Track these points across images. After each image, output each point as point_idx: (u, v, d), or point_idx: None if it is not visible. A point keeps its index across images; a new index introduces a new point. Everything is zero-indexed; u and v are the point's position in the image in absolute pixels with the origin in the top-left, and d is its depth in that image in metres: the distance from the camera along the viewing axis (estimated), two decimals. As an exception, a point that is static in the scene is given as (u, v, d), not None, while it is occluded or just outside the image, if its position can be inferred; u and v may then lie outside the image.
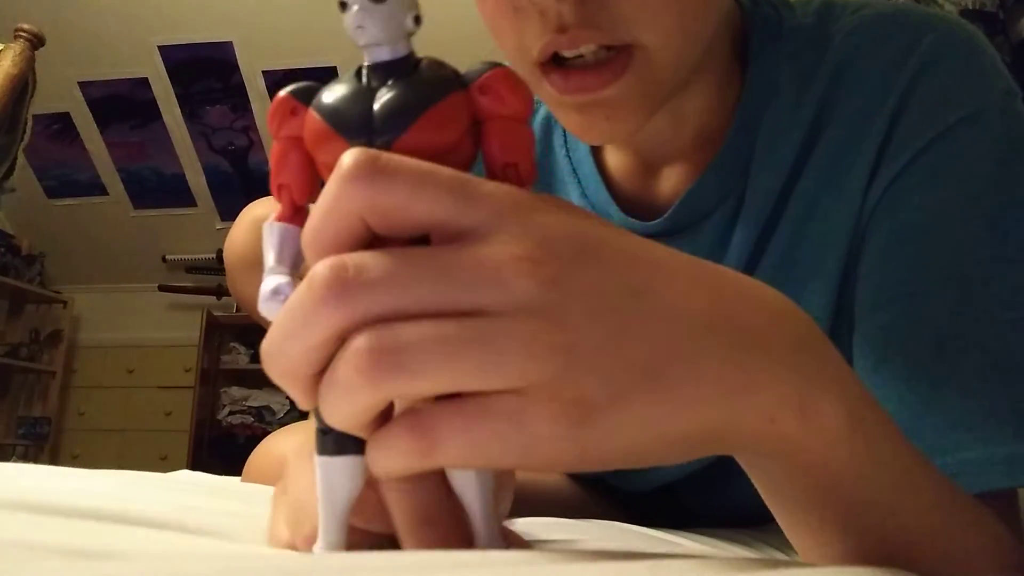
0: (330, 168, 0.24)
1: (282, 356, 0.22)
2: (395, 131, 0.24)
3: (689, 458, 0.24)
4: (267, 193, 0.29)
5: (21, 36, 1.67)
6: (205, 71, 3.60)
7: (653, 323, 0.22)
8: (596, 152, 0.58)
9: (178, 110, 3.72)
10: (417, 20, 0.25)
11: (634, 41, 0.41)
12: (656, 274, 0.23)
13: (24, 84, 1.67)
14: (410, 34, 0.25)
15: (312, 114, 0.25)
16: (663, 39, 0.41)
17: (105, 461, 0.52)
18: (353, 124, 0.24)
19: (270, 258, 0.26)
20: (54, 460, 3.80)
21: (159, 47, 3.52)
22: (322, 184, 0.24)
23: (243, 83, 3.61)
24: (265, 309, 0.25)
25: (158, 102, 3.70)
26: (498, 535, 0.25)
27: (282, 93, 0.26)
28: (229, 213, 3.87)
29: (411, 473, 0.21)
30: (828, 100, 0.50)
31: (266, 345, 0.22)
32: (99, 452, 3.86)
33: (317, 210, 0.22)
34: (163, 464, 3.68)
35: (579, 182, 0.57)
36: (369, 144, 0.24)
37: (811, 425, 0.25)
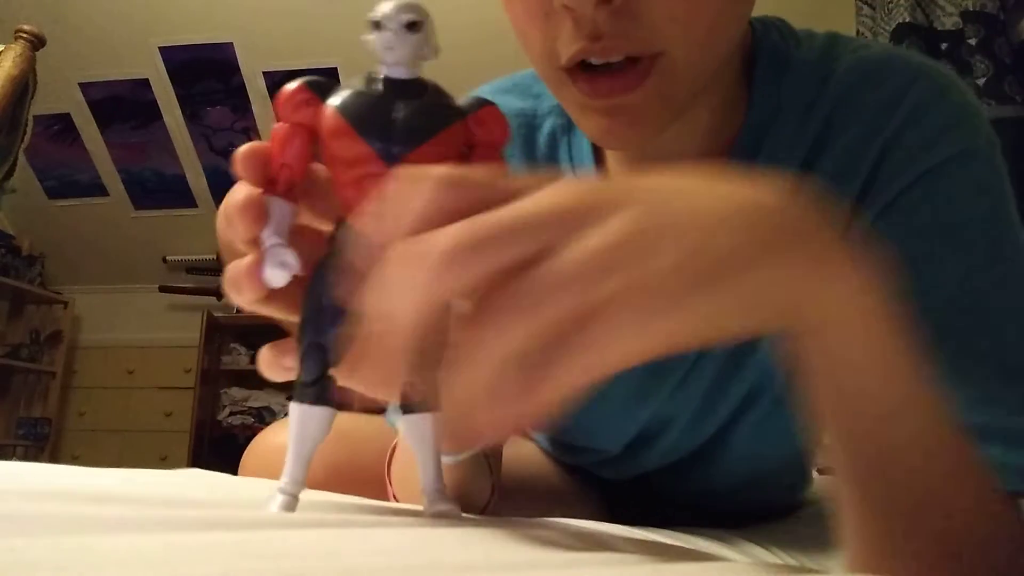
0: (338, 159, 0.29)
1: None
2: (412, 144, 0.28)
3: (729, 334, 0.26)
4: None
5: (22, 37, 1.67)
6: (206, 72, 3.60)
7: (702, 208, 0.25)
8: (599, 170, 0.60)
9: (179, 111, 3.72)
10: (435, 51, 0.30)
11: (662, 51, 0.43)
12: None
13: (25, 85, 1.67)
14: (425, 59, 0.30)
15: (332, 111, 0.29)
16: (687, 51, 0.43)
17: (105, 462, 0.53)
18: (373, 129, 0.29)
19: (271, 232, 0.29)
20: (54, 461, 3.78)
21: (160, 48, 3.52)
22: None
23: (244, 84, 3.61)
24: (271, 277, 0.29)
25: (159, 103, 3.70)
26: (441, 483, 0.31)
27: (298, 82, 0.30)
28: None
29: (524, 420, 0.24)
30: (822, 136, 0.52)
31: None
32: (99, 453, 3.86)
33: (405, 298, 0.24)
34: (163, 465, 3.67)
35: None
36: (385, 149, 0.28)
37: (832, 301, 0.27)
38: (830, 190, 0.50)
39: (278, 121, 0.30)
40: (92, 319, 4.26)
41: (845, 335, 0.28)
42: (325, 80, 0.30)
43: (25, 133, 1.81)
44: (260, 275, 0.29)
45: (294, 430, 0.30)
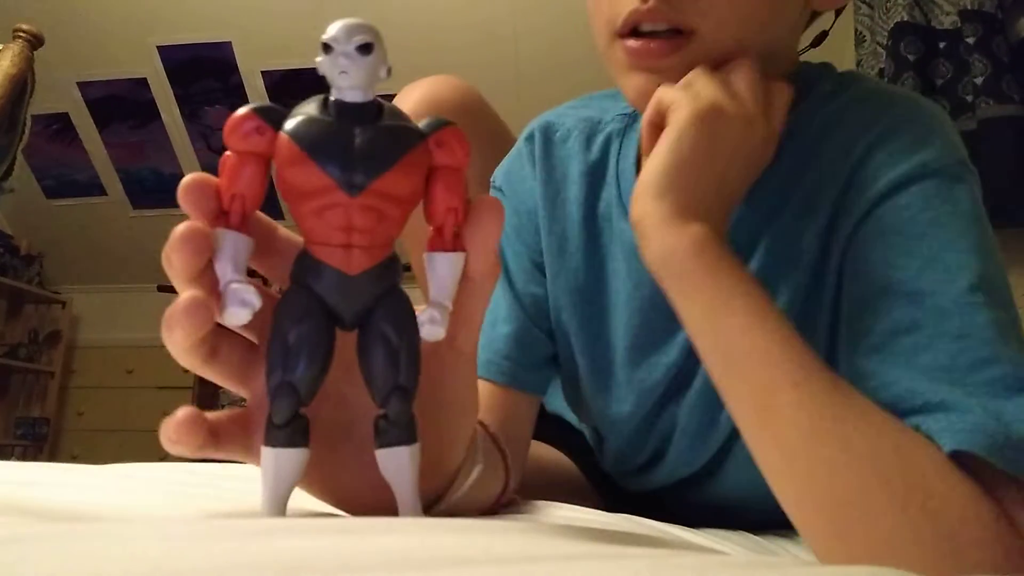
0: (295, 189, 0.27)
1: None
2: (375, 172, 0.27)
3: None
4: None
5: (20, 36, 1.67)
6: (204, 71, 3.60)
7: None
8: (639, 165, 0.65)
9: (177, 110, 3.72)
10: (388, 72, 0.28)
11: (696, 28, 0.52)
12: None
13: (23, 84, 1.67)
14: (381, 81, 0.28)
15: (286, 139, 0.27)
16: (718, 33, 0.52)
17: (104, 461, 0.52)
18: (331, 157, 0.27)
19: (228, 268, 0.28)
20: (52, 460, 3.79)
21: (158, 47, 3.52)
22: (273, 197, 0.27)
23: (242, 83, 3.60)
24: (232, 316, 0.27)
25: (157, 102, 3.70)
26: (420, 513, 0.30)
27: (245, 110, 0.28)
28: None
29: None
30: (810, 154, 0.57)
31: None
32: (98, 452, 3.85)
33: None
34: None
35: (618, 185, 0.66)
36: (346, 179, 0.27)
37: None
38: (807, 202, 0.56)
39: (227, 150, 0.29)
40: (91, 319, 4.25)
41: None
42: (275, 107, 0.28)
43: (23, 132, 1.80)
44: (200, 314, 0.27)
45: (269, 474, 0.28)
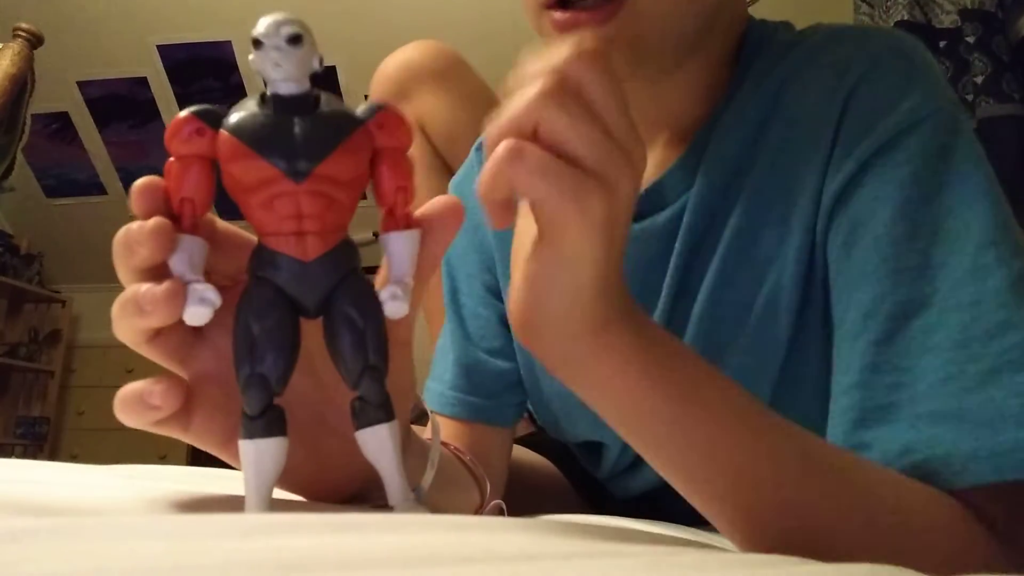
0: (242, 184, 0.28)
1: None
2: (319, 157, 0.28)
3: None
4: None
5: (20, 35, 1.67)
6: (204, 71, 3.60)
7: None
8: None
9: (177, 109, 3.67)
10: (320, 62, 0.29)
11: None
12: None
13: (23, 83, 1.67)
14: (315, 74, 0.29)
15: (227, 136, 0.28)
16: None
17: (104, 461, 0.52)
18: (274, 148, 0.28)
19: (186, 269, 0.29)
20: (53, 460, 3.79)
21: (158, 47, 3.52)
22: (222, 198, 0.29)
23: (242, 83, 3.60)
24: (194, 315, 0.28)
25: (157, 102, 3.70)
26: (408, 490, 0.30)
27: (185, 113, 0.29)
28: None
29: (497, 177, 0.31)
30: (776, 100, 0.53)
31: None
32: (98, 452, 3.85)
33: (510, 109, 0.31)
34: (162, 464, 3.67)
35: None
36: (290, 167, 0.28)
37: (607, 341, 0.34)
38: (784, 158, 0.52)
39: (170, 156, 0.29)
40: (91, 318, 4.25)
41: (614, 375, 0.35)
42: (212, 107, 0.29)
43: (23, 132, 1.80)
44: (178, 304, 0.28)
45: (250, 467, 0.29)
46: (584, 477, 0.77)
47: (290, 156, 0.28)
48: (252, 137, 0.28)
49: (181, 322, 0.29)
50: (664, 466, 0.37)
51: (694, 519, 0.66)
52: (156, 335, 0.31)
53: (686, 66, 0.54)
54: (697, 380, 0.36)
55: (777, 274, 0.51)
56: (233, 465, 0.34)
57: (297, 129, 0.28)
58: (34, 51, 1.69)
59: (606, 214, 0.31)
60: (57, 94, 3.58)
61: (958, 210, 0.44)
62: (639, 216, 0.57)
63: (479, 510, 0.51)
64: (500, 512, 0.51)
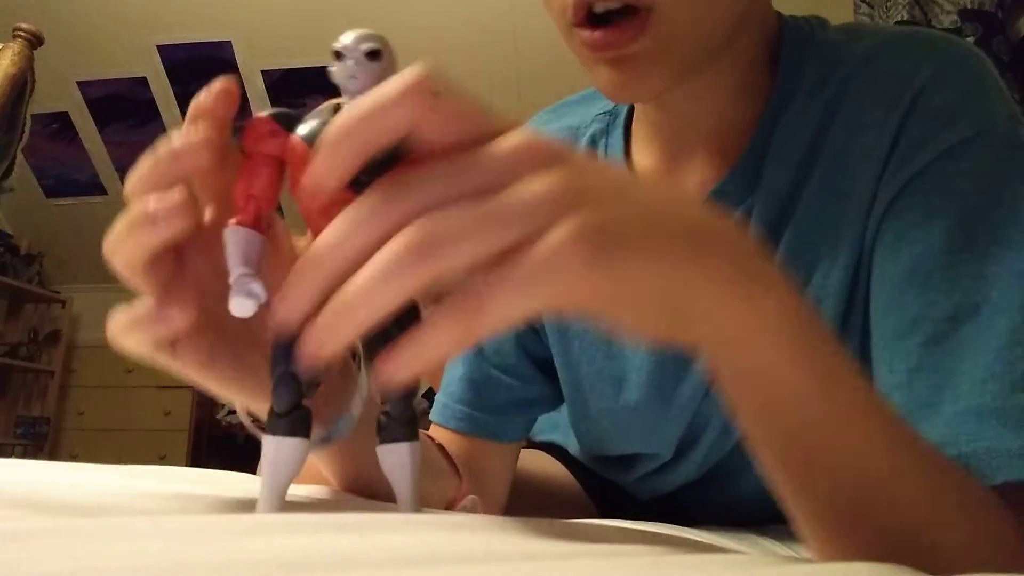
0: (307, 190, 0.28)
1: (333, 255, 0.25)
2: (379, 169, 0.27)
3: (657, 328, 0.28)
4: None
5: (20, 35, 1.67)
6: (204, 71, 3.60)
7: (652, 198, 0.28)
8: (627, 156, 0.62)
9: (177, 110, 3.72)
10: None
11: (654, 5, 0.46)
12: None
13: (23, 83, 1.67)
14: None
15: (300, 141, 0.29)
16: (679, 7, 0.46)
17: (104, 461, 0.52)
18: None
19: (238, 261, 0.29)
20: (53, 460, 3.79)
21: (158, 47, 3.52)
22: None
23: (242, 83, 3.61)
24: (240, 307, 0.28)
25: (157, 102, 3.70)
26: (419, 508, 0.30)
27: (264, 114, 0.30)
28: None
29: (462, 347, 0.24)
30: (835, 104, 0.52)
31: (316, 246, 0.25)
32: (98, 452, 3.85)
33: (368, 103, 0.25)
34: (162, 464, 3.67)
35: None
36: (356, 176, 0.27)
37: (756, 315, 0.28)
38: (841, 162, 0.51)
39: (243, 153, 0.30)
40: (90, 318, 4.25)
41: (769, 350, 0.29)
42: (290, 111, 0.30)
43: (23, 132, 1.80)
44: (165, 315, 0.29)
45: (268, 463, 0.29)
46: (593, 478, 0.77)
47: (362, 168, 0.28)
48: None
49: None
50: (785, 452, 0.32)
51: (713, 516, 0.67)
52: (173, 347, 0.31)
53: (718, 65, 0.53)
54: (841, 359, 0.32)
55: (823, 277, 0.51)
56: (213, 390, 0.34)
57: None
58: (34, 51, 1.69)
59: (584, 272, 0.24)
60: (57, 94, 3.58)
61: (1012, 224, 0.44)
62: None
63: (453, 503, 0.51)
64: (474, 507, 0.51)
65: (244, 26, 3.41)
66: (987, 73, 0.50)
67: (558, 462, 0.80)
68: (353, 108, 0.25)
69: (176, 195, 0.29)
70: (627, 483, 0.73)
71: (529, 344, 0.67)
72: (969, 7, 1.77)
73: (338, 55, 0.29)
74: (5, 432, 3.90)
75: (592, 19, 0.47)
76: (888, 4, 1.93)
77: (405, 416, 0.30)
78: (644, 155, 0.61)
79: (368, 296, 0.24)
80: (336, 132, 0.25)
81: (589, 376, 0.64)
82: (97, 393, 4.09)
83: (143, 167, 0.30)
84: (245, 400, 0.34)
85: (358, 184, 0.27)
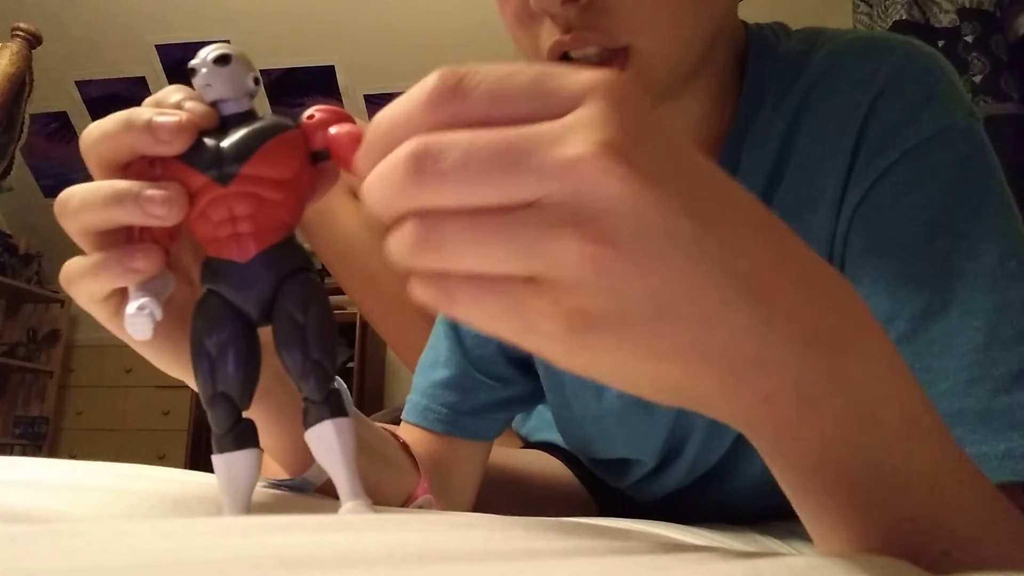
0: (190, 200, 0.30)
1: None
2: (243, 158, 0.29)
3: (671, 403, 0.24)
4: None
5: (18, 35, 1.66)
6: (203, 70, 3.60)
7: (693, 265, 0.21)
8: None
9: (176, 109, 3.72)
10: (256, 81, 0.31)
11: (630, 44, 0.46)
12: (724, 212, 0.22)
13: (21, 83, 1.67)
14: (251, 93, 0.30)
15: (174, 160, 0.30)
16: (655, 42, 0.46)
17: (103, 460, 0.52)
18: (204, 156, 0.29)
19: (136, 289, 0.30)
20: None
21: (157, 46, 3.51)
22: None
23: (241, 82, 3.60)
24: (132, 324, 0.29)
25: (156, 101, 3.70)
26: (361, 490, 0.29)
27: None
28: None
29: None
30: (799, 113, 0.53)
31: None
32: (97, 451, 3.85)
33: (388, 118, 0.22)
34: (161, 463, 3.66)
35: None
36: (218, 173, 0.29)
37: (807, 418, 0.23)
38: (809, 170, 0.51)
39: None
40: (89, 318, 4.17)
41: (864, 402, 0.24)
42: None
43: (22, 132, 1.80)
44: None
45: (224, 481, 0.29)
46: (593, 475, 0.77)
47: (217, 162, 0.29)
48: (189, 153, 0.30)
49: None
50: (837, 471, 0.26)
51: (712, 516, 0.67)
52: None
53: (693, 86, 0.53)
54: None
55: None
56: (153, 361, 0.35)
57: (227, 139, 0.29)
58: (33, 51, 1.69)
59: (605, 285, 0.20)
60: (56, 94, 3.58)
61: (978, 221, 0.44)
62: None
63: (410, 500, 0.50)
64: (429, 507, 0.50)
65: (243, 26, 3.41)
66: (944, 74, 0.50)
67: (558, 461, 0.80)
68: (378, 120, 0.23)
69: (163, 191, 0.30)
70: (622, 488, 0.73)
71: (509, 346, 0.67)
72: (968, 6, 1.77)
73: (192, 72, 0.30)
74: (4, 432, 3.90)
75: (566, 59, 0.46)
76: (886, 4, 1.93)
77: (321, 395, 0.29)
78: None
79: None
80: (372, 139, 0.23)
81: (571, 380, 0.65)
82: (96, 393, 4.09)
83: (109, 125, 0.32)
84: (182, 376, 0.34)
85: (222, 178, 0.30)
